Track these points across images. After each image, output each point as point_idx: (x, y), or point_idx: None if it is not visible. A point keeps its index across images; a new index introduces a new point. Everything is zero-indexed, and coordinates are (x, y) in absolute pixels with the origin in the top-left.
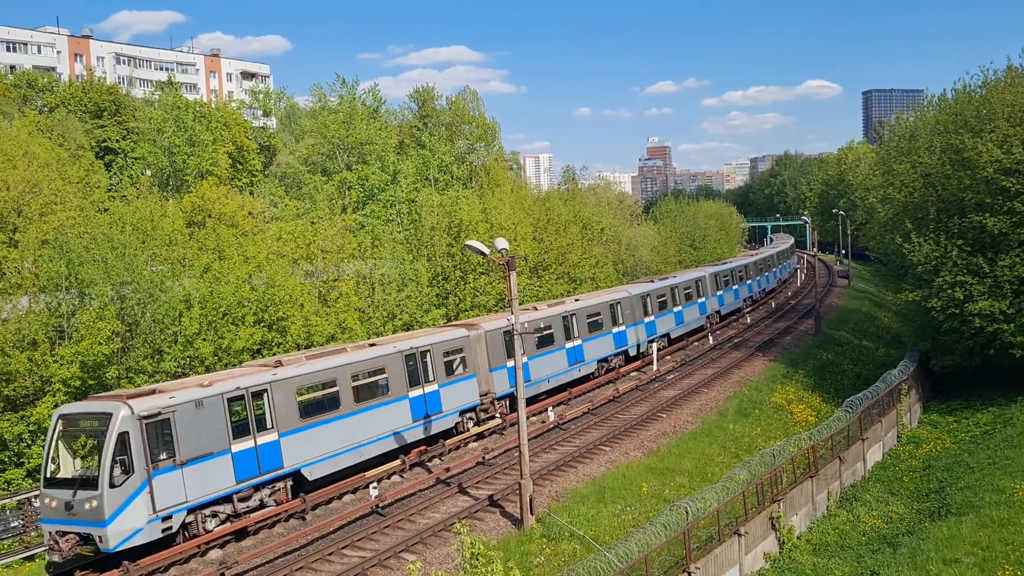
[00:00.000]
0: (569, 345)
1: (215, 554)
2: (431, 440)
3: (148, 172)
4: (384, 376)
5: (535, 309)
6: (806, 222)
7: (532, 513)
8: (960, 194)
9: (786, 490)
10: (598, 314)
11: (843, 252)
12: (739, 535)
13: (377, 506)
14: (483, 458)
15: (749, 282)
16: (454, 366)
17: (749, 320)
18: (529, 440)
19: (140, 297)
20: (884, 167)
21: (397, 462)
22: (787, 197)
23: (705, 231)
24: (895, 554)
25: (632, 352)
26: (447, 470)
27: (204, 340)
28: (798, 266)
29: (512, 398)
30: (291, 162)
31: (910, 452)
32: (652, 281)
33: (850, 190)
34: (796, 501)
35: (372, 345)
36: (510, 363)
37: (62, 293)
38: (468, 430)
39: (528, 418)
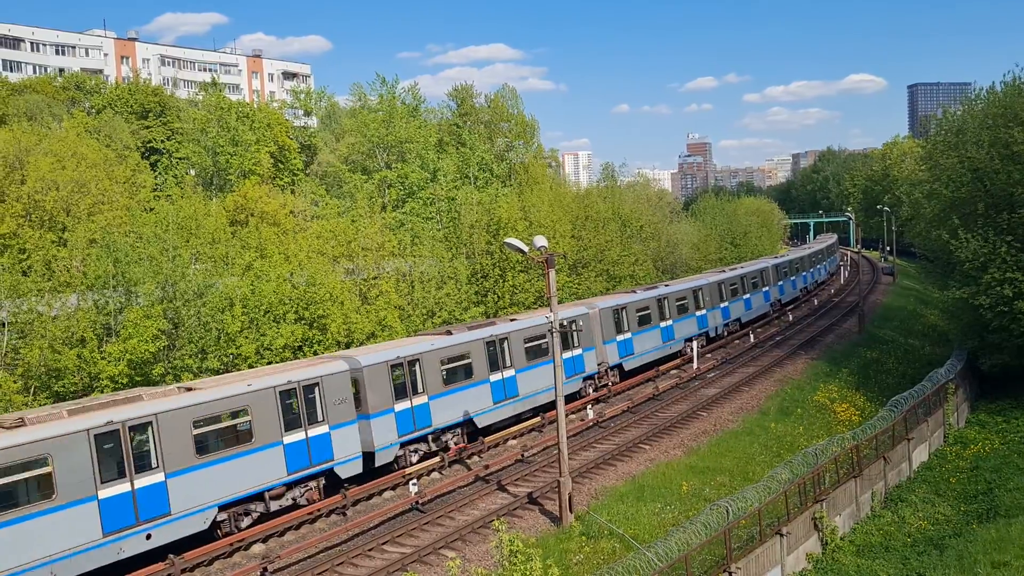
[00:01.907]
0: (663, 324)
1: (258, 548)
2: (572, 397)
3: (192, 172)
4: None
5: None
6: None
7: (571, 511)
8: (1009, 189)
9: (829, 490)
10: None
11: (888, 249)
12: (781, 535)
13: (417, 502)
14: (522, 455)
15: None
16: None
17: (791, 318)
18: (568, 438)
19: (186, 297)
20: (930, 162)
21: (436, 459)
22: (830, 193)
23: (746, 228)
24: (942, 556)
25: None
26: (486, 467)
27: (246, 338)
28: (841, 262)
29: (620, 368)
30: (332, 161)
31: (957, 452)
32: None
33: (895, 186)
34: (839, 501)
35: (513, 319)
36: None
37: (109, 291)
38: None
39: (567, 416)
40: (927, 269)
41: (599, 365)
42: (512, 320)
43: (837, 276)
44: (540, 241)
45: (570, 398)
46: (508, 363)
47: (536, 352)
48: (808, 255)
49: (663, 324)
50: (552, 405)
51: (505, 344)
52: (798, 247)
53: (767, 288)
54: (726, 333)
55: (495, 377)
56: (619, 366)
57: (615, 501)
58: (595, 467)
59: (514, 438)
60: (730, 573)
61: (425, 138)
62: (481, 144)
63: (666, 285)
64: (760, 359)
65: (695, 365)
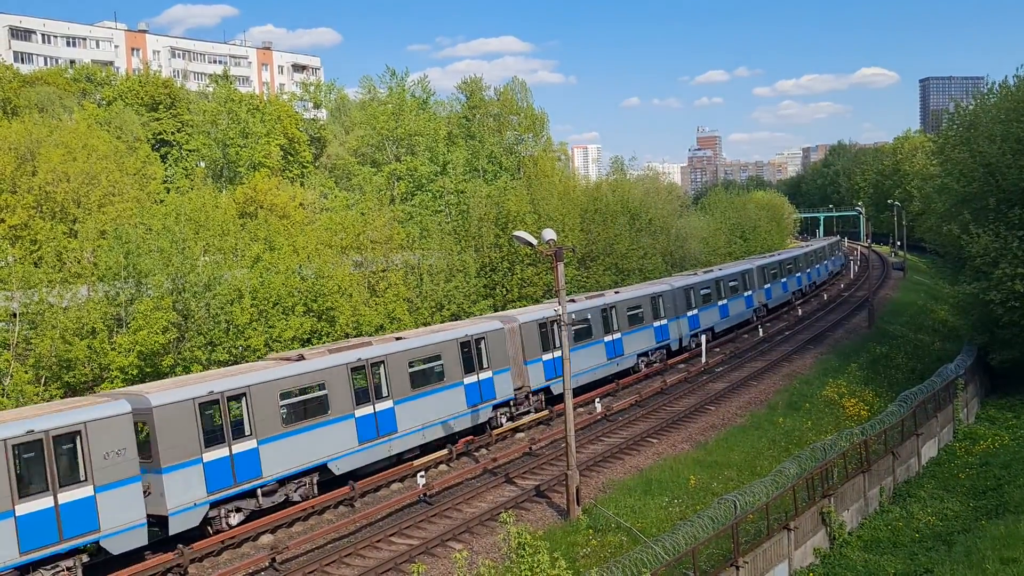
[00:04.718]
0: (608, 338)
1: (266, 539)
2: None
3: (202, 164)
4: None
5: (573, 300)
6: (860, 213)
7: (578, 504)
8: (1021, 184)
9: (837, 485)
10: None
11: (898, 243)
12: (788, 530)
13: (424, 495)
14: (530, 448)
15: (798, 275)
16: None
17: (800, 312)
18: (576, 431)
19: (196, 289)
20: (942, 156)
21: (444, 451)
22: (840, 188)
23: (756, 222)
24: (950, 552)
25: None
26: (494, 460)
27: (255, 330)
28: (845, 263)
29: (547, 391)
30: (341, 154)
31: (966, 448)
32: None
33: (906, 180)
34: (847, 496)
35: (399, 337)
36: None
37: (120, 283)
38: (501, 424)
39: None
40: (937, 264)
41: (517, 390)
42: (397, 339)
43: (842, 276)
44: (549, 234)
45: (468, 430)
46: (385, 393)
47: (425, 377)
48: (804, 254)
49: (608, 338)
50: (449, 439)
51: (381, 369)
52: (793, 247)
53: (749, 292)
54: (694, 345)
55: (363, 411)
56: (546, 389)
57: (623, 494)
58: (603, 460)
59: (522, 431)
60: (737, 567)
61: (435, 131)
62: (490, 137)
63: (616, 292)
64: (768, 354)
65: (703, 359)
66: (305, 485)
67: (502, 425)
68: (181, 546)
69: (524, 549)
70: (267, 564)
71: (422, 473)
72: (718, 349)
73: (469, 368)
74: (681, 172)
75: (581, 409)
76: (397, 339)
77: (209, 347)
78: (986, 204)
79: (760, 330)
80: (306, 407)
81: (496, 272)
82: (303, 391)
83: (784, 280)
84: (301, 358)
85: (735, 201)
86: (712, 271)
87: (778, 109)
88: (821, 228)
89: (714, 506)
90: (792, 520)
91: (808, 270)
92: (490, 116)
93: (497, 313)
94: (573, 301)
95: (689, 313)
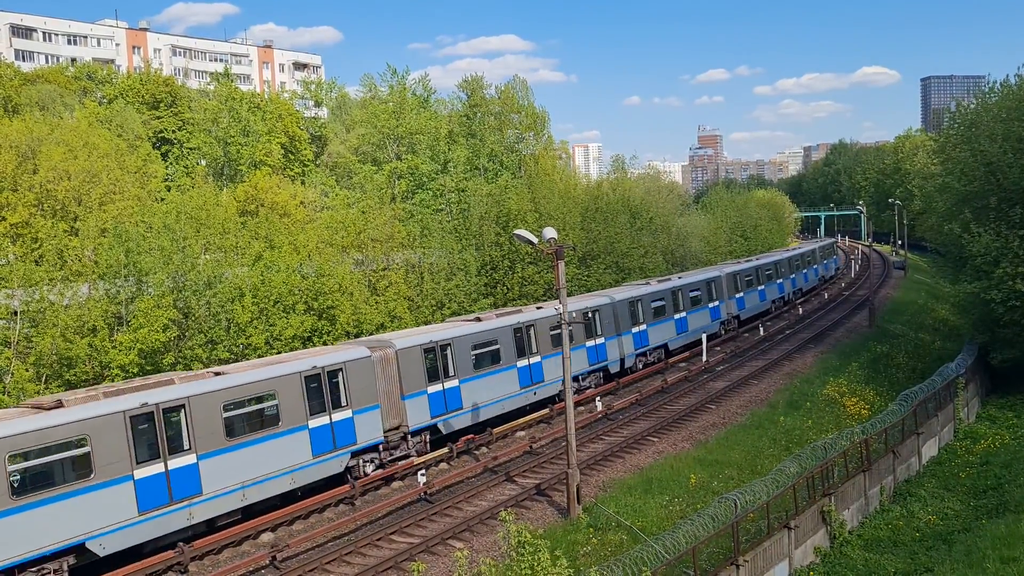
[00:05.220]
0: (522, 363)
1: (266, 537)
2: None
3: (203, 162)
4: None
5: (650, 283)
6: (861, 212)
7: (579, 503)
8: (1023, 183)
9: (837, 484)
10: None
11: (899, 242)
12: (789, 529)
13: (425, 493)
14: (530, 447)
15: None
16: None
17: (801, 311)
18: (577, 430)
19: (197, 288)
20: (943, 155)
21: (445, 449)
22: (841, 187)
23: (757, 221)
24: (950, 551)
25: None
26: (494, 458)
27: (255, 328)
28: (840, 267)
29: (434, 429)
30: (342, 152)
31: (967, 448)
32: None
33: (907, 179)
34: (848, 495)
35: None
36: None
37: (121, 281)
38: (364, 474)
39: (576, 407)
40: (938, 263)
41: (390, 431)
42: (215, 374)
43: (836, 281)
44: (550, 233)
45: (321, 483)
46: (186, 446)
47: (250, 422)
48: (787, 258)
49: (523, 362)
50: (291, 495)
51: (181, 416)
52: (778, 250)
53: (716, 303)
54: (641, 365)
55: (147, 471)
56: (431, 428)
57: (623, 493)
58: (603, 459)
59: (523, 430)
60: (738, 566)
61: (435, 129)
62: (491, 136)
63: (537, 307)
64: (769, 353)
65: (704, 358)
66: (51, 574)
67: (366, 475)
68: (182, 544)
69: (524, 548)
70: (267, 562)
71: (423, 471)
72: (719, 348)
73: (317, 408)
74: (682, 171)
75: (582, 408)
76: (215, 374)
77: (210, 345)
78: (987, 203)
79: (761, 329)
80: (53, 472)
81: (497, 271)
82: (49, 450)
83: (762, 288)
84: (59, 404)
85: (736, 200)
86: (670, 280)
87: (779, 108)
88: (822, 227)
89: (714, 505)
90: (792, 519)
91: (792, 276)
92: (491, 115)
93: (372, 336)
94: (479, 320)
95: (635, 329)
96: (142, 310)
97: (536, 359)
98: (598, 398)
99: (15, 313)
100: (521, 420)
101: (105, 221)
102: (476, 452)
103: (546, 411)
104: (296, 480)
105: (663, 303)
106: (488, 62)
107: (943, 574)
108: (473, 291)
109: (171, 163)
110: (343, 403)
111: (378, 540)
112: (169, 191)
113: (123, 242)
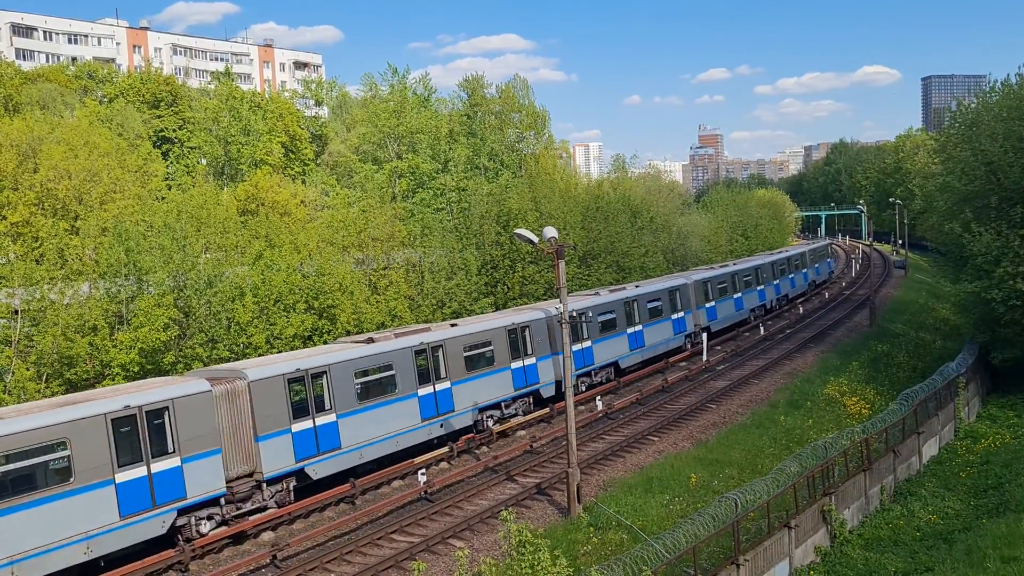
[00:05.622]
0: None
1: (267, 536)
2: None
3: (204, 161)
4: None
5: (600, 293)
6: (861, 211)
7: (579, 502)
8: (1023, 182)
9: (838, 483)
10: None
11: (899, 242)
12: (789, 528)
13: (425, 492)
14: (531, 446)
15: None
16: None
17: (802, 310)
18: (577, 429)
19: (197, 287)
20: (944, 155)
21: (445, 448)
22: (842, 186)
23: (757, 220)
24: (951, 551)
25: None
26: (495, 457)
27: (256, 328)
28: (834, 270)
29: (301, 474)
30: (342, 151)
31: (967, 447)
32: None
33: (908, 179)
34: (848, 495)
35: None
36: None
37: (121, 280)
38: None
39: (576, 407)
40: (939, 263)
41: (236, 480)
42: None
43: (828, 286)
44: (550, 232)
45: (141, 546)
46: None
47: (30, 480)
48: (770, 262)
49: (425, 390)
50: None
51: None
52: (761, 254)
53: (681, 314)
54: (584, 388)
55: None
56: (297, 473)
57: (623, 492)
58: (604, 458)
59: (523, 429)
60: (738, 565)
61: (436, 128)
62: (491, 135)
63: (452, 325)
64: (769, 352)
65: (704, 358)
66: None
67: (201, 535)
68: (182, 543)
69: (525, 547)
70: (268, 561)
71: (423, 470)
72: (719, 347)
73: (130, 457)
74: (683, 170)
75: (582, 407)
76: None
77: (210, 344)
78: (988, 202)
79: (762, 329)
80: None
81: (497, 270)
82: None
83: (738, 296)
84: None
85: (737, 199)
86: (624, 289)
87: (780, 107)
88: (823, 227)
89: (715, 504)
90: (793, 518)
91: (777, 281)
92: (491, 114)
93: (223, 365)
94: (371, 341)
95: (577, 347)
96: (143, 309)
97: (444, 385)
98: (598, 398)
99: (16, 312)
100: (521, 420)
101: (106, 220)
102: (477, 451)
103: (546, 411)
104: (93, 549)
105: (613, 315)
106: (488, 61)
107: (944, 573)
108: (473, 290)
109: (172, 162)
110: (169, 449)
111: (378, 539)
112: (170, 190)
113: (124, 241)
